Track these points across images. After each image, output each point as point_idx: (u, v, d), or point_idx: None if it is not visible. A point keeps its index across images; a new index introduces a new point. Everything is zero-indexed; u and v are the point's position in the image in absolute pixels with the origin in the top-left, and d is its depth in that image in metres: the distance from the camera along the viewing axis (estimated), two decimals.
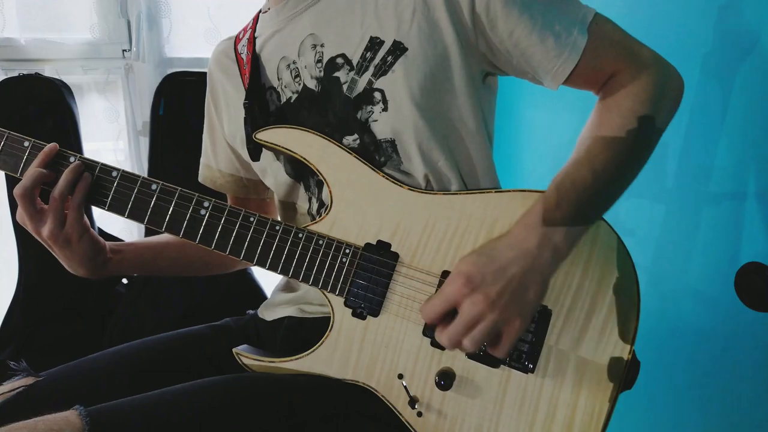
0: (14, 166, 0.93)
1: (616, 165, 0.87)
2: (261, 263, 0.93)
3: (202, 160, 1.21)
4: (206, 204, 0.93)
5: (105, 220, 1.57)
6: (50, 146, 0.92)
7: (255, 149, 1.02)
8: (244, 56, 1.05)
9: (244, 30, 1.11)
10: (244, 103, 1.01)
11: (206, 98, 1.16)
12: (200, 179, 1.22)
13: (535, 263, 0.79)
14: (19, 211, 0.91)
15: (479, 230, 0.90)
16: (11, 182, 1.50)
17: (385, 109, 0.93)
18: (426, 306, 0.81)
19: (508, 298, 0.77)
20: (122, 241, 1.12)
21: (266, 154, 1.04)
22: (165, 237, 1.09)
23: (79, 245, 0.94)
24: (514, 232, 0.82)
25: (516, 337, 0.79)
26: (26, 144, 0.92)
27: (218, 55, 1.13)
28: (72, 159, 0.92)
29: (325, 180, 0.94)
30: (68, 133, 1.57)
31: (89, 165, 0.93)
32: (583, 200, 0.84)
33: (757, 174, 1.33)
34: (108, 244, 1.02)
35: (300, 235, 0.92)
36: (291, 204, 1.08)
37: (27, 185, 0.88)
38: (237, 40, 1.11)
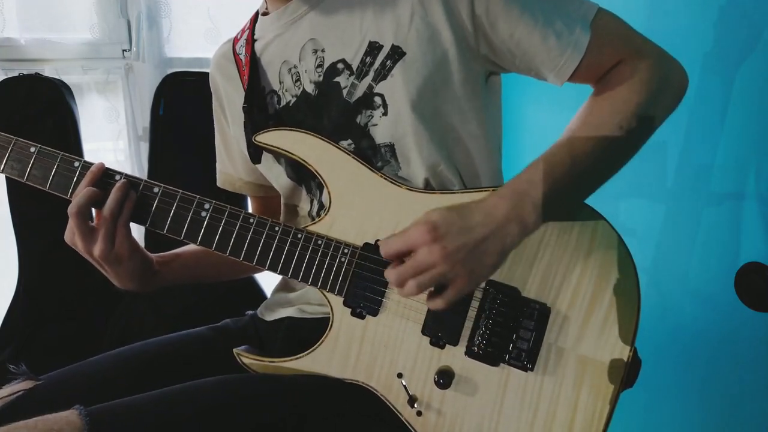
0: (65, 186, 0.93)
1: (596, 153, 0.86)
2: (261, 263, 0.93)
3: (218, 166, 1.22)
4: (207, 206, 0.93)
5: None
6: (98, 165, 0.92)
7: (255, 151, 1.02)
8: (242, 57, 1.05)
9: (242, 31, 1.10)
10: (243, 107, 1.01)
11: (213, 104, 1.17)
12: (219, 184, 1.22)
13: (499, 232, 0.80)
14: (69, 230, 0.91)
15: None
16: (11, 182, 1.50)
17: (385, 114, 0.93)
18: (387, 242, 0.81)
19: (462, 256, 0.78)
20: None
21: (267, 157, 1.04)
22: None
23: (129, 262, 0.95)
24: (487, 200, 0.83)
25: (458, 295, 0.81)
26: (76, 164, 0.93)
27: (219, 59, 1.13)
28: (117, 177, 0.93)
29: (324, 181, 0.94)
30: (68, 133, 1.57)
31: (134, 183, 0.93)
32: (558, 183, 0.84)
33: (757, 174, 1.33)
34: (154, 256, 1.03)
35: (299, 236, 0.92)
36: (293, 206, 1.08)
37: (81, 203, 0.89)
38: (235, 41, 1.11)
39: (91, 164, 0.93)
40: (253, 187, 1.20)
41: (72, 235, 0.91)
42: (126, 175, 0.93)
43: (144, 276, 1.00)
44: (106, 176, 0.93)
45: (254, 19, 1.09)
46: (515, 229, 0.81)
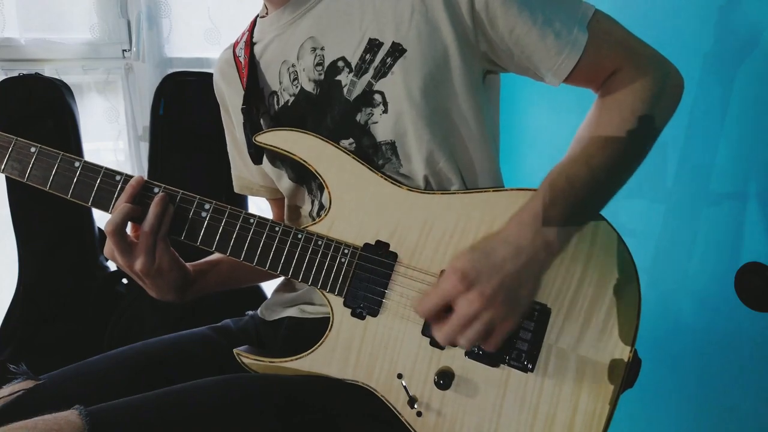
0: (107, 201, 0.92)
1: (612, 163, 0.86)
2: (261, 264, 0.93)
3: (233, 172, 1.21)
4: (207, 206, 0.93)
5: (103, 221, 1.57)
6: (137, 179, 0.92)
7: (256, 152, 1.02)
8: (241, 59, 1.05)
9: (242, 34, 1.11)
10: (242, 108, 1.01)
11: (221, 113, 1.16)
12: (236, 190, 1.22)
13: (529, 260, 0.79)
14: (108, 246, 0.91)
15: (478, 230, 0.90)
16: (11, 183, 1.50)
17: (385, 111, 0.93)
18: (422, 301, 0.80)
19: (503, 296, 0.77)
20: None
21: (271, 158, 1.04)
22: None
23: (170, 274, 0.95)
24: (509, 229, 0.82)
25: (508, 332, 0.79)
26: (117, 178, 0.93)
27: (221, 65, 1.13)
28: (156, 190, 0.93)
29: (323, 181, 0.94)
30: (68, 133, 1.57)
31: (172, 195, 0.93)
32: (579, 198, 0.84)
33: (757, 174, 1.33)
34: (190, 265, 1.04)
35: (299, 236, 0.92)
36: (296, 207, 1.08)
37: (118, 221, 0.88)
38: (235, 44, 1.11)
39: (94, 165, 0.93)
40: (270, 190, 1.19)
41: (111, 252, 0.91)
42: (165, 187, 0.93)
43: (183, 287, 1.00)
44: (144, 189, 0.92)
45: (253, 23, 1.09)
46: (543, 255, 0.80)
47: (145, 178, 0.93)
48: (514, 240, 0.80)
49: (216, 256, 1.11)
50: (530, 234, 0.80)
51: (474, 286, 0.76)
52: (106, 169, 0.93)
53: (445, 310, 0.79)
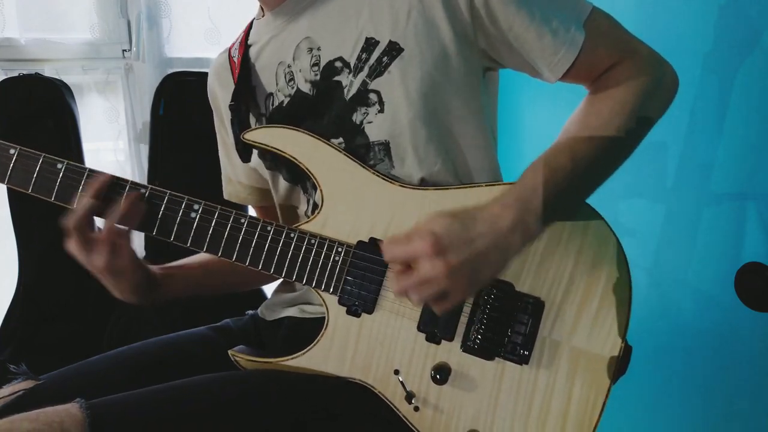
0: (70, 196, 0.91)
1: (596, 156, 0.86)
2: (254, 263, 0.92)
3: (222, 177, 1.20)
4: (196, 207, 0.92)
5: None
6: (105, 176, 0.91)
7: (245, 150, 1.01)
8: (235, 59, 1.05)
9: (238, 37, 1.10)
10: (230, 105, 1.01)
11: (214, 117, 1.16)
12: (225, 196, 1.20)
13: (503, 242, 0.79)
14: (70, 242, 0.90)
15: None
16: None
17: (381, 111, 0.92)
18: (389, 246, 0.80)
19: (465, 271, 0.77)
20: None
21: (266, 159, 1.04)
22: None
23: (132, 275, 0.93)
24: (490, 208, 0.81)
25: (454, 305, 0.81)
26: (59, 166, 0.91)
27: (216, 68, 1.12)
28: (126, 187, 0.91)
29: (315, 179, 0.94)
30: (68, 133, 1.57)
31: (158, 196, 0.92)
32: (561, 187, 0.84)
33: (758, 174, 1.33)
34: (157, 268, 1.02)
35: (292, 235, 0.92)
36: (292, 207, 1.08)
37: (79, 215, 0.88)
38: (230, 47, 1.11)
39: (77, 167, 0.92)
40: (257, 194, 1.17)
41: (71, 246, 0.90)
42: (132, 183, 0.91)
43: (146, 288, 0.98)
44: (110, 186, 0.91)
45: (249, 25, 1.09)
46: (518, 239, 0.81)
47: (146, 178, 0.93)
48: (494, 219, 0.80)
49: (189, 260, 1.10)
50: (510, 216, 0.80)
51: (443, 254, 0.76)
52: (90, 170, 0.92)
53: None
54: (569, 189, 0.86)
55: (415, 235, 0.79)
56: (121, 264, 0.91)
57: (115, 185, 0.92)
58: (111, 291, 0.96)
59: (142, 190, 0.92)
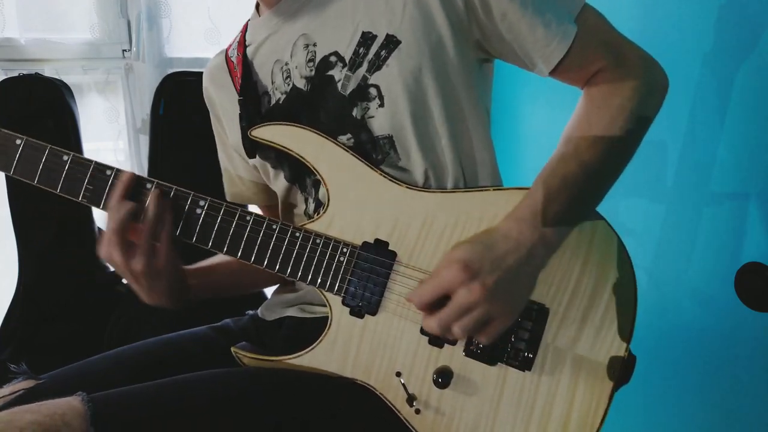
0: (97, 197, 0.90)
1: (604, 160, 0.87)
2: (258, 261, 0.92)
3: (224, 178, 1.20)
4: (201, 203, 0.92)
5: (103, 221, 1.57)
6: (129, 175, 0.90)
7: (251, 146, 1.01)
8: (234, 59, 1.05)
9: (234, 39, 1.10)
10: (239, 100, 1.01)
11: (211, 118, 1.16)
12: (228, 198, 1.19)
13: (529, 257, 0.80)
14: (106, 248, 0.89)
15: (477, 228, 0.89)
16: (11, 182, 1.50)
17: (381, 105, 0.92)
18: (419, 290, 0.79)
19: (502, 290, 0.77)
20: None
21: (264, 157, 1.04)
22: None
23: (168, 277, 0.92)
24: (508, 225, 0.82)
25: (503, 328, 0.80)
26: (108, 173, 0.90)
27: (211, 70, 1.12)
28: (149, 185, 0.90)
29: (322, 178, 0.94)
30: (68, 133, 1.57)
31: (165, 191, 0.91)
32: (574, 195, 0.84)
33: (758, 174, 1.33)
34: (188, 269, 1.01)
35: (297, 234, 0.92)
36: (290, 205, 1.08)
37: (122, 219, 0.87)
38: (227, 48, 1.11)
39: (84, 159, 0.91)
40: (261, 193, 1.17)
41: (109, 252, 0.89)
42: (158, 182, 0.91)
43: (179, 291, 0.97)
44: (138, 185, 0.91)
45: (245, 26, 1.09)
46: (542, 252, 0.81)
47: (146, 177, 0.93)
48: (515, 236, 0.80)
49: (210, 261, 1.10)
50: (529, 231, 0.81)
51: (476, 277, 0.76)
52: (96, 163, 0.91)
53: (440, 302, 0.79)
54: (582, 197, 0.86)
55: (440, 269, 0.78)
56: (159, 265, 0.91)
57: (140, 184, 0.91)
58: (141, 296, 0.95)
59: (149, 185, 0.91)
